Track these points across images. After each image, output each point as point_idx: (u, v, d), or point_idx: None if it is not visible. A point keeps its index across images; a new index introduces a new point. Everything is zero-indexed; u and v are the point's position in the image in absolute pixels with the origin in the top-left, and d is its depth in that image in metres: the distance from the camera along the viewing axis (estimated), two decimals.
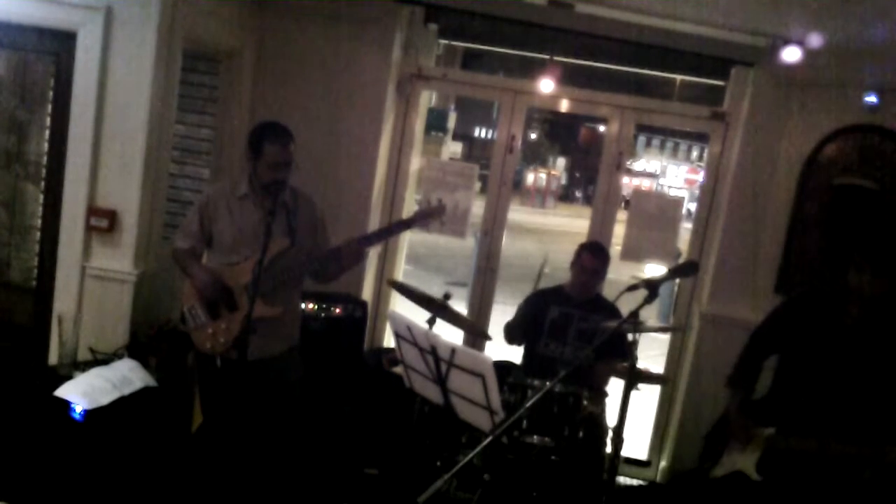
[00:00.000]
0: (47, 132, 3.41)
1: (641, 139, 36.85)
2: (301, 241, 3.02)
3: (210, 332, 2.98)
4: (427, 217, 3.14)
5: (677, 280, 4.71)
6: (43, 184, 3.46)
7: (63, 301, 3.40)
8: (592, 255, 3.78)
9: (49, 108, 3.40)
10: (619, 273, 3.84)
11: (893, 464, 2.30)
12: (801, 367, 2.68)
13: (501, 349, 4.19)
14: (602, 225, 4.71)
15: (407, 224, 3.27)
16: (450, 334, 2.89)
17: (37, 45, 3.35)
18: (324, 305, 4.14)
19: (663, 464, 4.62)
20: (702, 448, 2.95)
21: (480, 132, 35.79)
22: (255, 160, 2.93)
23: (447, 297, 3.56)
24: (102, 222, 3.35)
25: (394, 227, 3.55)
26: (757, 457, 2.57)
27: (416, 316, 2.82)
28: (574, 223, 22.03)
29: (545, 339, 3.74)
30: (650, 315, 8.22)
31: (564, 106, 4.81)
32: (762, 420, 2.64)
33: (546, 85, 4.53)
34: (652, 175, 37.03)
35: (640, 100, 4.71)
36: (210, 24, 3.81)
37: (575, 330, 3.72)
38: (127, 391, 2.96)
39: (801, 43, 3.76)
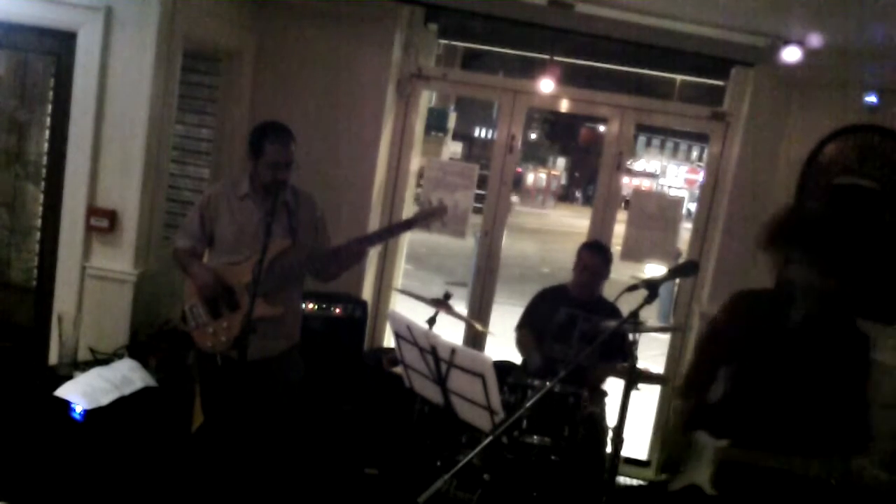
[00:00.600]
0: (47, 132, 3.41)
1: (641, 139, 36.82)
2: (302, 240, 3.02)
3: (211, 332, 2.98)
4: (429, 217, 3.14)
5: (677, 280, 4.71)
6: (43, 184, 3.46)
7: (63, 301, 3.40)
8: (592, 252, 3.77)
9: (49, 108, 3.40)
10: (619, 273, 3.82)
11: (854, 473, 2.16)
12: (748, 375, 2.54)
13: (501, 349, 4.20)
14: (602, 225, 4.71)
15: (409, 224, 3.27)
16: (450, 334, 2.89)
17: (37, 45, 3.35)
18: (324, 305, 4.14)
19: None
20: (662, 459, 2.83)
21: (480, 132, 35.77)
22: (256, 160, 2.93)
23: (447, 296, 3.57)
24: (102, 222, 3.35)
25: (395, 228, 3.56)
26: (712, 470, 2.42)
27: (417, 316, 2.82)
28: (574, 223, 22.03)
29: (549, 342, 3.73)
30: (650, 315, 8.23)
31: (564, 106, 4.81)
32: (716, 430, 2.49)
33: (546, 85, 4.53)
34: (652, 175, 37.01)
35: (640, 100, 4.71)
36: (210, 24, 3.81)
37: (579, 332, 3.72)
38: (127, 391, 2.96)
39: (801, 43, 3.76)
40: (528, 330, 3.87)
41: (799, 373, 2.34)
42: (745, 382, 2.56)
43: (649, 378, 3.30)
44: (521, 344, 3.87)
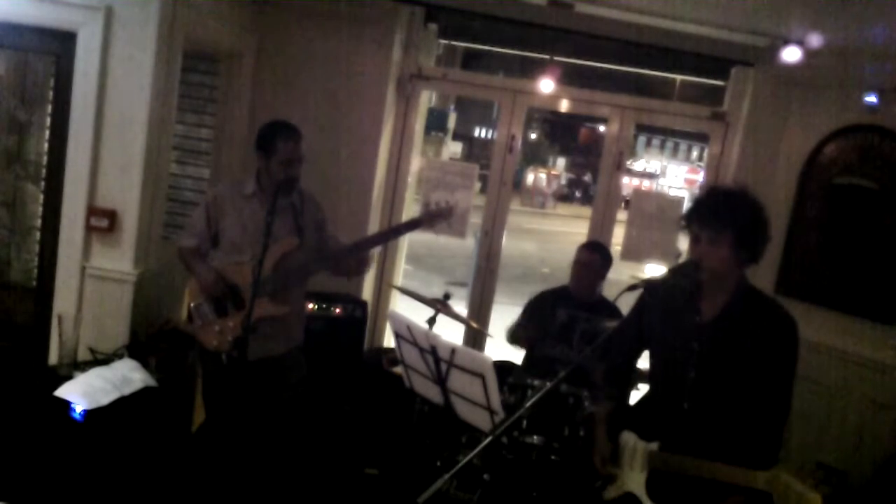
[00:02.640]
0: (47, 132, 3.41)
1: (641, 139, 36.80)
2: (309, 240, 3.03)
3: (217, 330, 2.98)
4: (435, 218, 3.14)
5: None
6: (43, 184, 3.46)
7: (63, 301, 3.40)
8: (588, 250, 3.78)
9: (49, 108, 3.39)
10: (620, 273, 3.82)
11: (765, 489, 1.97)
12: (657, 370, 2.43)
13: (501, 349, 4.19)
14: (602, 225, 4.71)
15: (414, 224, 3.25)
16: (450, 334, 2.89)
17: (37, 45, 3.35)
18: (324, 305, 4.14)
19: None
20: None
21: (480, 132, 35.76)
22: (268, 159, 2.93)
23: (447, 297, 3.57)
24: (102, 222, 3.35)
25: (401, 227, 3.54)
26: (645, 476, 2.27)
27: (417, 316, 2.82)
28: (574, 224, 22.00)
29: (551, 341, 3.72)
30: None
31: (564, 106, 4.81)
32: (646, 432, 2.34)
33: (546, 85, 4.54)
34: (652, 175, 37.00)
35: (640, 100, 4.72)
36: (210, 24, 3.80)
37: (580, 333, 3.71)
38: (127, 391, 2.96)
39: (801, 43, 3.76)
40: (527, 329, 3.86)
41: (717, 361, 2.21)
42: (657, 380, 2.47)
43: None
44: (514, 332, 3.86)
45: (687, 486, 2.19)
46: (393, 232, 3.48)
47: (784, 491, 1.90)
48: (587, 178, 32.71)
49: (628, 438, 2.41)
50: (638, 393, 2.96)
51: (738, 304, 2.21)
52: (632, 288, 2.33)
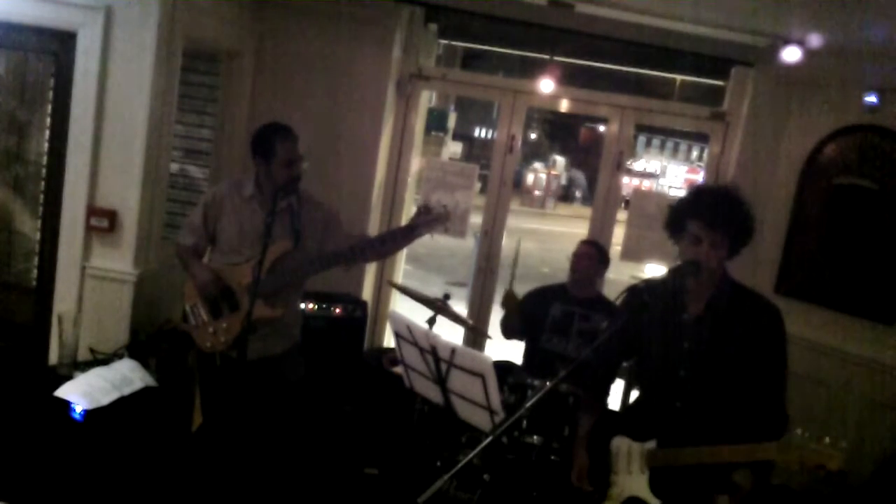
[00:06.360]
0: (47, 132, 3.41)
1: (641, 139, 36.76)
2: (306, 243, 3.01)
3: (211, 331, 2.98)
4: (432, 223, 3.08)
5: None
6: (43, 184, 3.46)
7: (63, 301, 3.40)
8: (585, 245, 3.80)
9: (49, 108, 3.40)
10: (620, 273, 3.82)
11: (766, 463, 2.03)
12: (648, 371, 2.45)
13: (501, 349, 4.19)
14: (602, 225, 4.71)
15: (410, 229, 3.15)
16: (450, 334, 2.89)
17: (37, 45, 3.35)
18: (324, 305, 4.14)
19: None
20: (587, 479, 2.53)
21: (480, 132, 35.72)
22: (268, 163, 2.91)
23: (447, 297, 3.56)
24: (102, 222, 3.35)
25: (398, 233, 3.37)
26: (647, 476, 2.28)
27: (417, 316, 2.82)
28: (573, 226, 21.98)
29: (547, 335, 3.72)
30: None
31: (564, 106, 4.81)
32: (639, 433, 2.35)
33: (546, 85, 4.54)
34: (652, 175, 36.97)
35: (640, 100, 4.72)
36: (210, 24, 3.81)
37: (577, 329, 3.71)
38: (127, 391, 2.96)
39: (801, 43, 3.76)
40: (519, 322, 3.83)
41: (706, 357, 2.25)
42: (646, 379, 2.48)
43: None
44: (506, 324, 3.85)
45: (691, 476, 2.22)
46: (391, 237, 3.26)
47: (800, 455, 1.91)
48: (579, 179, 32.76)
49: (620, 444, 2.41)
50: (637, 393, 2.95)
51: (722, 297, 2.28)
52: (632, 288, 2.34)
